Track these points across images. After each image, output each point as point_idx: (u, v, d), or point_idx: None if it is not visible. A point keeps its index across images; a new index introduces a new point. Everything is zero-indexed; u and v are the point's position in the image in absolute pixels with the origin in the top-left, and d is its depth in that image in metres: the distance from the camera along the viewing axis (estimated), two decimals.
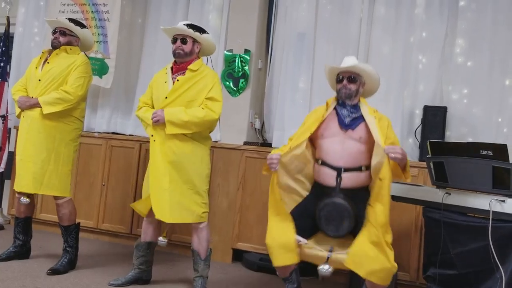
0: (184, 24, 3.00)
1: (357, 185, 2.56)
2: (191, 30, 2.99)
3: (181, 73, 2.99)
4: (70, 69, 3.26)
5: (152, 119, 2.90)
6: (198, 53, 3.08)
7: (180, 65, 3.01)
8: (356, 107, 2.68)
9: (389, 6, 3.86)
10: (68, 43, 3.36)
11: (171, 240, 3.96)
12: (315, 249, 2.46)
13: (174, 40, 3.03)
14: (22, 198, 3.29)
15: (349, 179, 2.55)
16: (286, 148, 2.64)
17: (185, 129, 2.87)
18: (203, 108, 2.91)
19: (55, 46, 3.33)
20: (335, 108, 2.70)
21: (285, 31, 4.14)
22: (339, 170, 2.55)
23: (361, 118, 2.63)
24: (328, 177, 2.57)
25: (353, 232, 2.45)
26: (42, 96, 3.19)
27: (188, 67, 2.98)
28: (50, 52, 3.36)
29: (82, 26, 3.43)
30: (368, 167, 2.56)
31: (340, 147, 2.58)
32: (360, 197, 2.50)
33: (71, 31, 3.37)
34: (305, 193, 2.71)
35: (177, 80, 2.94)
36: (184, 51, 2.99)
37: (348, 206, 2.44)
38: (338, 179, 2.54)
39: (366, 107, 2.68)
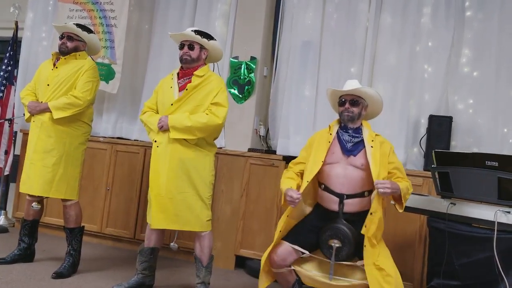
0: (192, 30, 3.02)
1: (360, 209, 2.60)
2: (198, 36, 3.00)
3: (187, 79, 3.00)
4: (78, 74, 3.30)
5: (157, 125, 2.92)
6: (205, 60, 3.09)
7: (186, 70, 3.03)
8: (358, 131, 2.70)
9: (395, 15, 3.86)
10: (76, 48, 3.39)
11: None
12: (315, 275, 2.56)
13: (182, 46, 3.04)
14: (34, 204, 3.33)
15: (352, 205, 2.59)
16: (293, 179, 2.71)
17: (189, 134, 2.87)
18: (207, 114, 2.91)
19: (62, 51, 3.36)
20: (337, 132, 2.73)
21: (291, 39, 4.15)
22: (341, 197, 2.59)
23: (362, 143, 2.66)
24: (331, 203, 2.62)
25: (352, 257, 2.53)
26: (51, 101, 3.22)
27: (194, 73, 2.99)
28: (58, 56, 3.40)
29: (89, 31, 3.46)
30: (370, 192, 2.61)
31: (343, 173, 2.62)
32: (364, 219, 2.51)
33: (78, 36, 3.40)
34: (308, 209, 2.77)
35: (186, 89, 2.95)
36: (191, 57, 3.00)
37: (349, 233, 2.48)
38: (341, 205, 2.58)
39: (367, 131, 2.70)
